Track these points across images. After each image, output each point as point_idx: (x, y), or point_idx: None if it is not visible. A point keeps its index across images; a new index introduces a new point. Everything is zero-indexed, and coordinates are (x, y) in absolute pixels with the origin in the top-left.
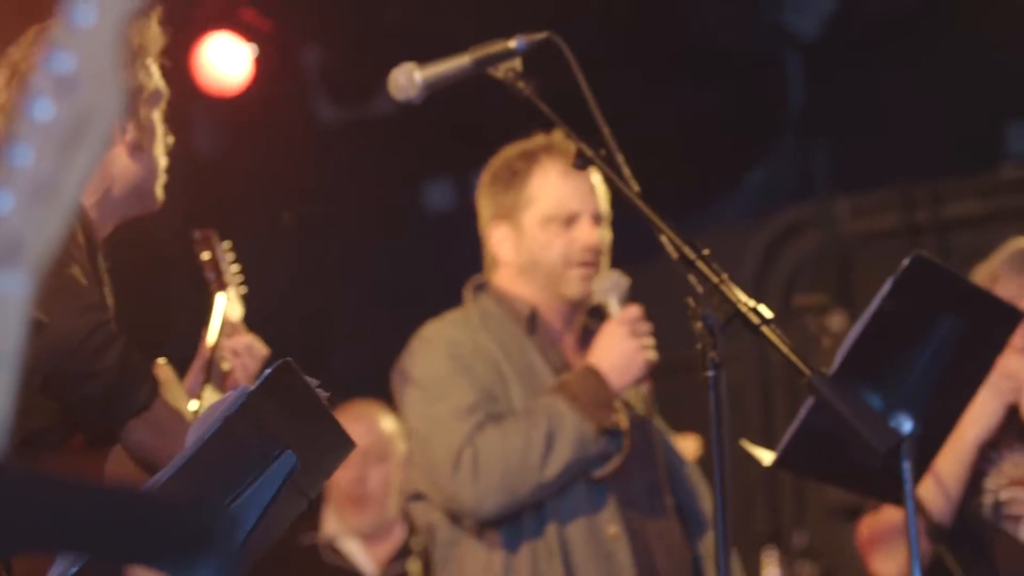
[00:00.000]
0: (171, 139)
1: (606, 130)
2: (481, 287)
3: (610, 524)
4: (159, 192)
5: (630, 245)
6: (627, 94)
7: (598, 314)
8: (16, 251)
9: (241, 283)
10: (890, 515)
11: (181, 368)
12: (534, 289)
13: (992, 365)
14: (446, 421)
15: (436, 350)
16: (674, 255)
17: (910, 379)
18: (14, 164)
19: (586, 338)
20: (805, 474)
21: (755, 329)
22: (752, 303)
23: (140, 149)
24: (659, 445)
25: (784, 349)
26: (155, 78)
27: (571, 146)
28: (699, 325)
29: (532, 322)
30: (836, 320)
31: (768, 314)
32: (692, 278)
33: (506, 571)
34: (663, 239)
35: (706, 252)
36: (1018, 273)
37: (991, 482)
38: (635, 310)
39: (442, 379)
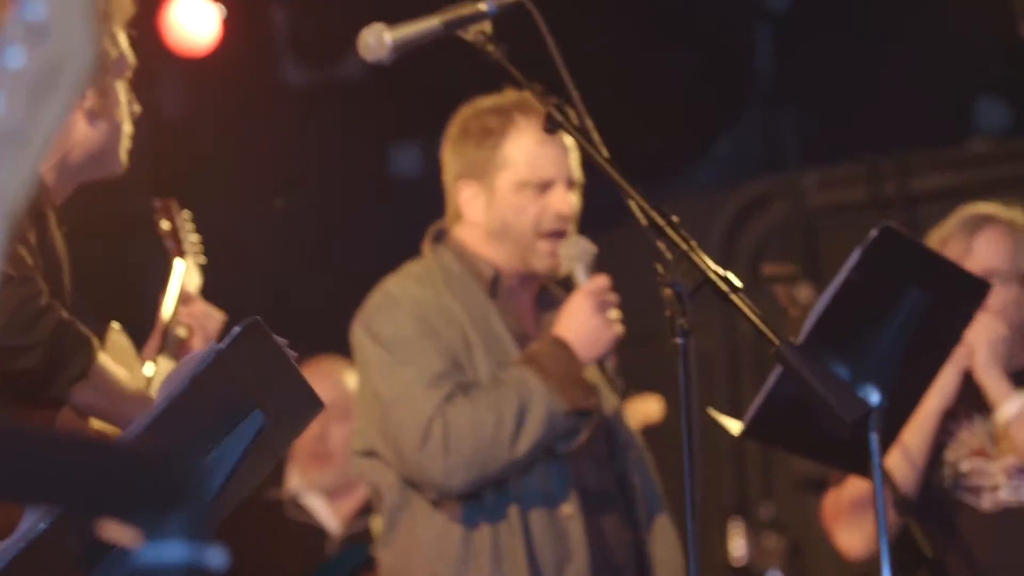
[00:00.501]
0: (137, 108)
1: (575, 95)
2: (440, 238)
3: (566, 504)
4: (123, 157)
5: (597, 211)
6: (596, 60)
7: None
8: None
9: (200, 252)
10: (853, 490)
11: (142, 333)
12: (501, 252)
13: (959, 337)
14: (413, 388)
15: (402, 308)
16: (643, 221)
17: (877, 350)
18: None
19: (543, 301)
20: (772, 444)
21: (724, 297)
22: (721, 271)
23: (99, 116)
24: (619, 425)
25: (753, 318)
26: (120, 46)
27: (544, 106)
28: (668, 292)
29: (494, 285)
30: (803, 291)
31: (737, 282)
32: (661, 244)
33: (465, 545)
34: (632, 205)
35: (675, 219)
36: (966, 235)
37: (951, 454)
38: (603, 280)
39: (409, 341)
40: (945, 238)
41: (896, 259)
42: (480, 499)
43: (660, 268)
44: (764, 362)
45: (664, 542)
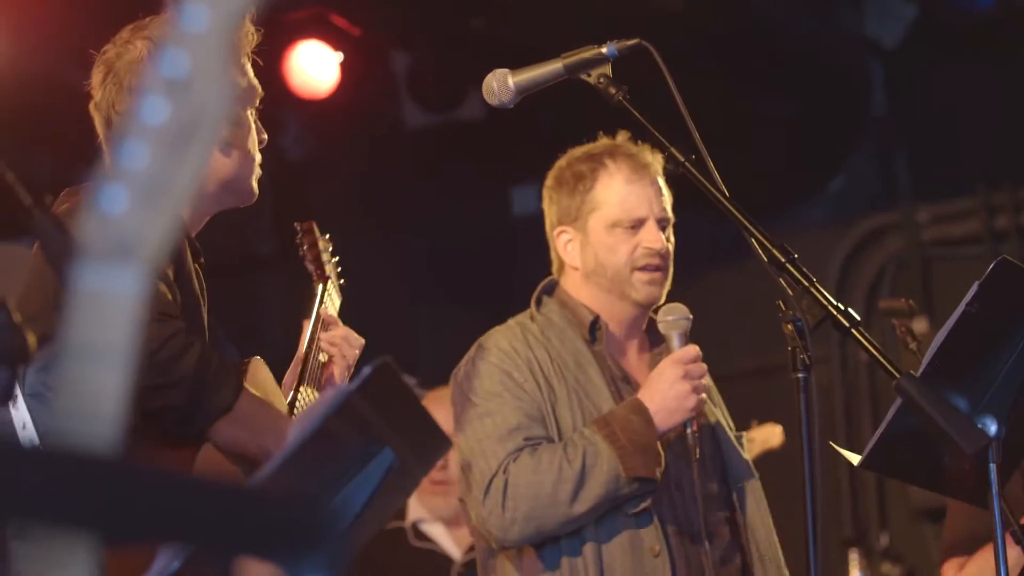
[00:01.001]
0: (264, 136)
1: (696, 135)
2: (549, 290)
3: (654, 542)
4: (254, 186)
5: (720, 248)
6: (712, 101)
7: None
8: (130, 249)
9: (340, 276)
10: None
11: (279, 362)
12: (600, 294)
13: None
14: (485, 443)
15: (488, 362)
16: (764, 258)
17: (995, 382)
18: (128, 164)
19: (655, 337)
20: (892, 475)
21: (846, 332)
22: (842, 306)
23: (232, 146)
24: (724, 457)
25: (874, 352)
26: (248, 76)
27: (635, 148)
28: (789, 327)
29: (593, 331)
30: (917, 325)
31: (857, 317)
32: (782, 281)
33: None
34: (753, 243)
35: (795, 255)
36: None
37: None
38: (693, 350)
39: (490, 395)
40: None
41: (1013, 291)
42: (557, 543)
43: (782, 304)
44: (879, 394)
45: None
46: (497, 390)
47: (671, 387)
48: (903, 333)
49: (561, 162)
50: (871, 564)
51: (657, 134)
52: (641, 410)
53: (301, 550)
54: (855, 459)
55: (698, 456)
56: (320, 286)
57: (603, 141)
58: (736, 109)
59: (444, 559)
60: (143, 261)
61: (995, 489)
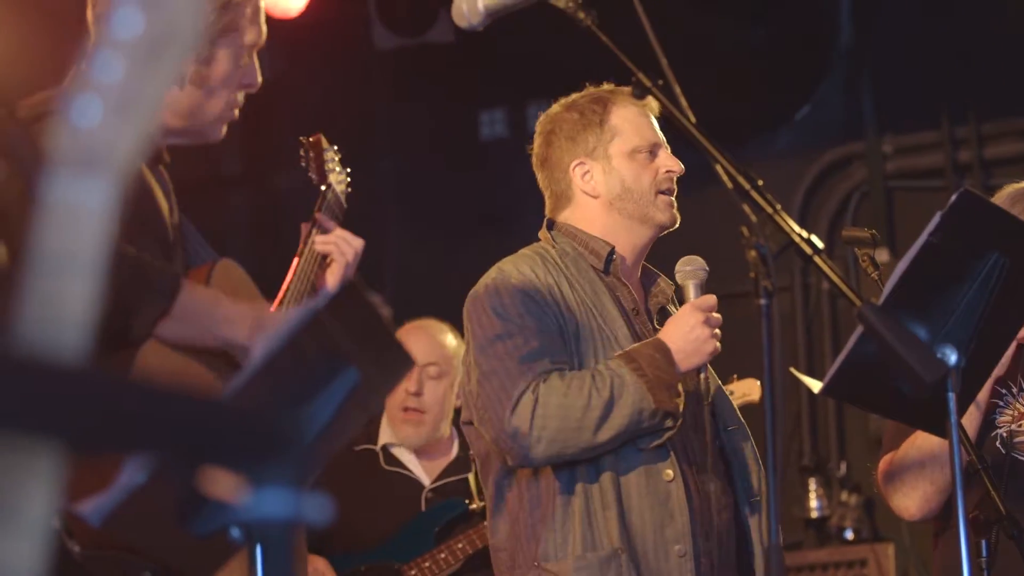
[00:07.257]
0: (253, 80)
1: (664, 61)
2: (552, 226)
3: (667, 468)
4: (215, 127)
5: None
6: (679, 28)
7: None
8: (100, 161)
9: (345, 184)
10: (908, 453)
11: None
12: (620, 220)
13: None
14: (510, 361)
15: (509, 286)
16: (729, 185)
17: (956, 312)
18: (101, 76)
19: (646, 281)
20: (852, 402)
21: (808, 259)
22: (805, 233)
23: (190, 81)
24: (722, 403)
25: (836, 279)
26: (230, 16)
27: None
28: (752, 254)
29: (609, 262)
30: (880, 255)
31: (820, 244)
32: (746, 207)
33: (563, 508)
34: (718, 168)
35: (760, 182)
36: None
37: (1002, 419)
38: (712, 299)
39: (511, 317)
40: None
41: (975, 222)
42: (574, 466)
43: (745, 230)
44: (840, 323)
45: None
46: (520, 312)
47: (692, 330)
48: (865, 262)
49: (554, 110)
50: (829, 492)
51: (625, 59)
52: (663, 349)
53: (266, 462)
54: (816, 386)
55: (709, 400)
56: (321, 193)
57: (605, 87)
58: (704, 37)
59: (415, 482)
60: (113, 173)
61: (953, 419)
